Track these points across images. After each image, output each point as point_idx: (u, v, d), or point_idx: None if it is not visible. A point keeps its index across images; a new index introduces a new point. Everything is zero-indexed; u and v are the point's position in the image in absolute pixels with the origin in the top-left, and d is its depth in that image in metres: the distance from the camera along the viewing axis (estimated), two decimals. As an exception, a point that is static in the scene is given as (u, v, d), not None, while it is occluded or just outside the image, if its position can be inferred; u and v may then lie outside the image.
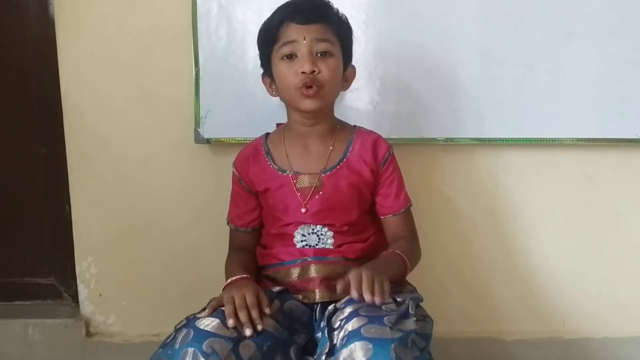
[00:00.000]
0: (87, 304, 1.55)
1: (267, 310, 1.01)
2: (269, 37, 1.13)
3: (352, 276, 0.98)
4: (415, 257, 1.18)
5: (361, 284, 0.97)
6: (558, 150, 1.49)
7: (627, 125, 1.45)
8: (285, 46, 1.10)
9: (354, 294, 0.97)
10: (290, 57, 1.10)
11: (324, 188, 1.16)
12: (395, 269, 1.09)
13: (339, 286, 1.00)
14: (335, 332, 0.96)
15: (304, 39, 1.09)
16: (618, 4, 1.40)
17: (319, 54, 1.10)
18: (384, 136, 1.22)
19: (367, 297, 0.95)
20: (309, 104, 1.11)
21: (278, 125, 1.27)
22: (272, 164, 1.19)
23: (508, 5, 1.39)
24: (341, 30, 1.14)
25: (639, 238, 1.55)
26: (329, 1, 1.15)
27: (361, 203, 1.19)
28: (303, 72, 1.08)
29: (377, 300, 0.96)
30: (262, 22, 1.16)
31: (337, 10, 1.15)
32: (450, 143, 1.46)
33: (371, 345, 0.88)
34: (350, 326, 0.93)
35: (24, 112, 1.52)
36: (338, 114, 1.24)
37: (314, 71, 1.09)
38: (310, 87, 1.09)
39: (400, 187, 1.21)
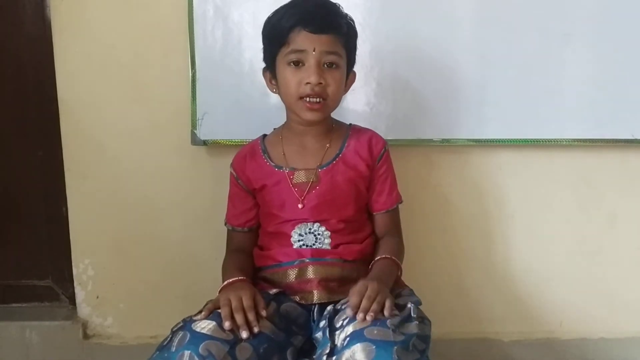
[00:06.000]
0: (84, 306, 1.55)
1: (263, 313, 1.01)
2: (278, 38, 1.11)
3: (355, 291, 0.99)
4: (403, 254, 1.22)
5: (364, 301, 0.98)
6: (554, 150, 1.49)
7: (623, 125, 1.45)
8: (294, 53, 1.10)
9: (354, 313, 0.97)
10: (297, 64, 1.10)
11: (321, 183, 1.16)
12: (392, 278, 1.12)
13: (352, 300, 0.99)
14: (337, 333, 0.96)
15: (314, 50, 1.09)
16: (614, 5, 1.41)
17: (325, 65, 1.10)
18: (380, 137, 1.23)
19: (368, 317, 0.95)
20: (310, 116, 1.13)
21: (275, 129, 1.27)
22: (269, 161, 1.20)
23: (504, 7, 1.40)
24: (349, 40, 1.15)
25: (635, 238, 1.56)
26: (339, 6, 1.14)
27: (357, 199, 1.19)
28: (308, 83, 1.09)
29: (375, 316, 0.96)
30: (268, 16, 1.15)
31: (346, 15, 1.14)
32: (447, 144, 1.46)
33: (374, 347, 0.89)
34: (352, 327, 0.94)
35: (21, 114, 1.52)
36: (334, 115, 1.24)
37: (320, 83, 1.09)
38: (314, 97, 1.10)
39: (394, 184, 1.23)
